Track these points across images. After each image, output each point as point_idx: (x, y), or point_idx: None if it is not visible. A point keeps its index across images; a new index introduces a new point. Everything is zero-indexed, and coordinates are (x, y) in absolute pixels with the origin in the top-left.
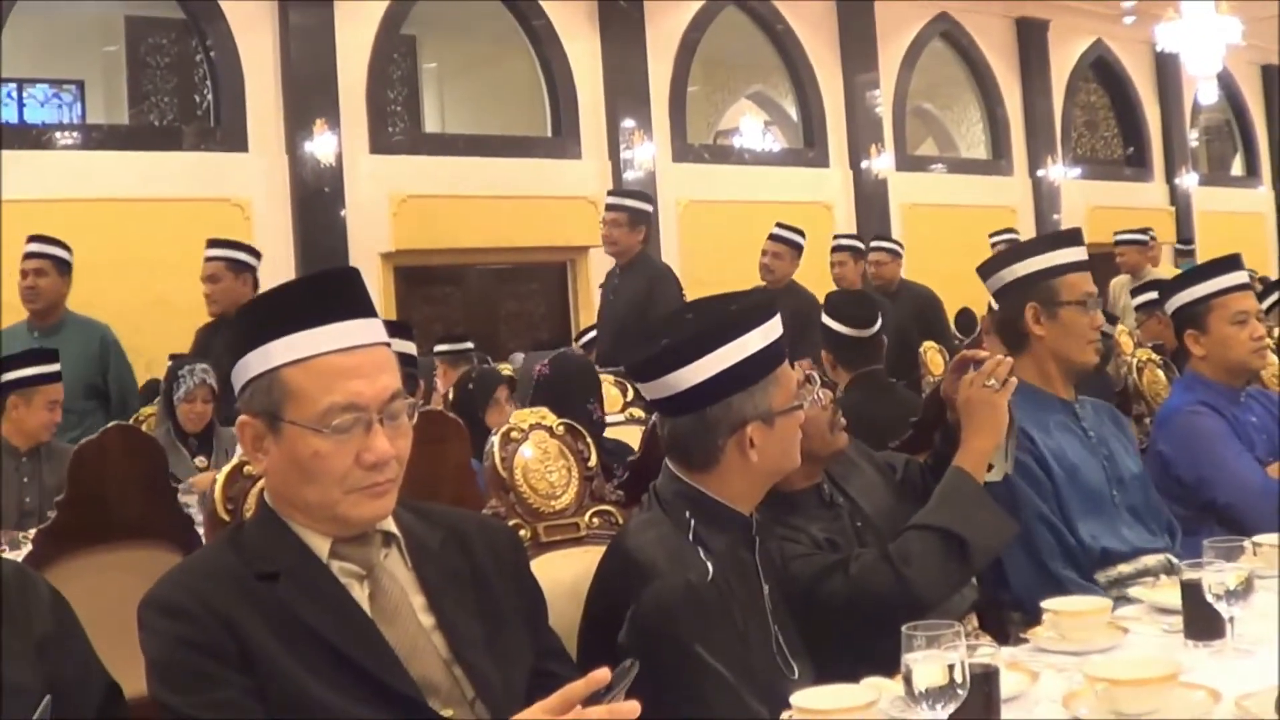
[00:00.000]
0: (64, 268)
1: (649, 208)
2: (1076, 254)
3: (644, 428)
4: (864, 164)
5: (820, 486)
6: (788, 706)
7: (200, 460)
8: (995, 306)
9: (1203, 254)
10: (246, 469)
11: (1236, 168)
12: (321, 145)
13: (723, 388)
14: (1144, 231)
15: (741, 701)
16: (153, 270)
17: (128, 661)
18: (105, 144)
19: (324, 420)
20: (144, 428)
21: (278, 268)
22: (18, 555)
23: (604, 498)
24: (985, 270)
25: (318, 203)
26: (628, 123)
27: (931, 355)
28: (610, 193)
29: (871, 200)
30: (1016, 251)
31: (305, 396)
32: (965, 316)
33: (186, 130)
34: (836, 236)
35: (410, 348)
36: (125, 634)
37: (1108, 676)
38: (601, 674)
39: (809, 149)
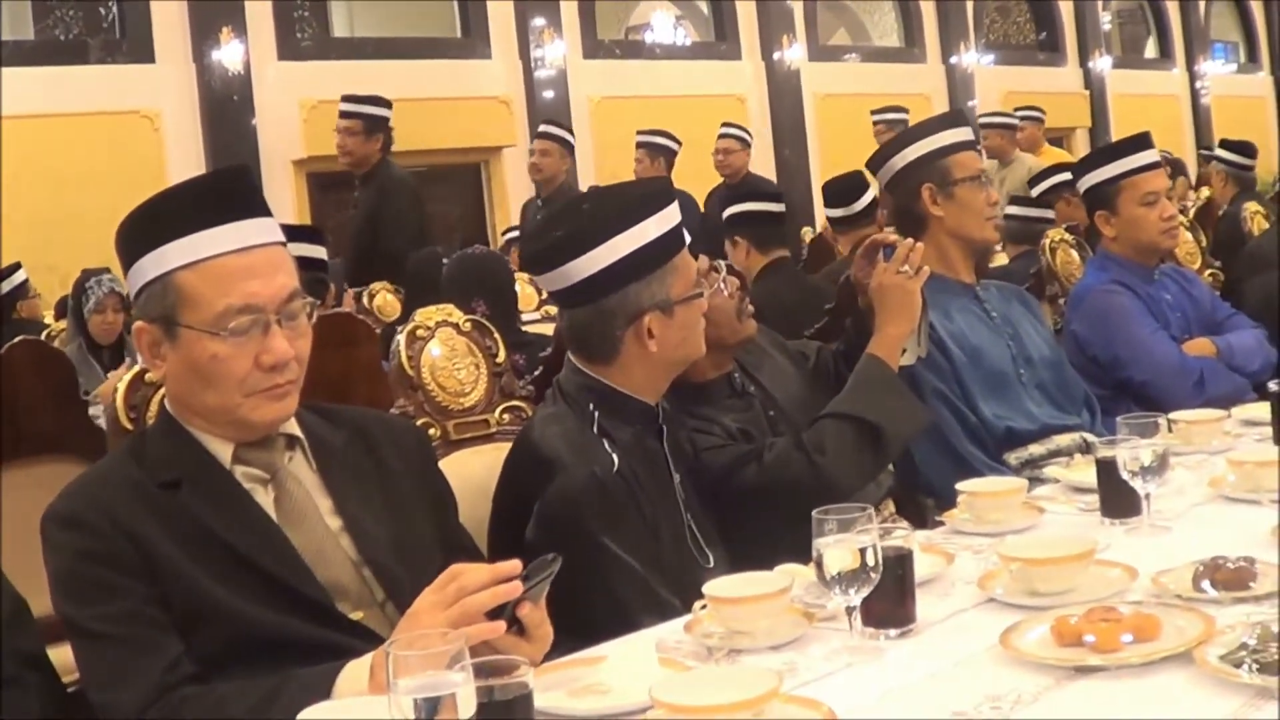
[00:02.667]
0: None
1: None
2: (963, 134)
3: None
4: (776, 55)
5: (731, 376)
6: (701, 595)
7: (113, 374)
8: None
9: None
10: (148, 376)
11: (1150, 50)
12: (229, 54)
13: (619, 277)
14: (1010, 115)
15: (651, 591)
16: (63, 185)
17: (37, 578)
18: (11, 60)
19: (220, 323)
20: (55, 344)
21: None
22: None
23: (514, 394)
24: (875, 161)
25: (227, 112)
26: (537, 21)
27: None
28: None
29: (784, 92)
30: (904, 137)
31: (200, 299)
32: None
33: (92, 43)
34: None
35: (321, 252)
36: (34, 549)
37: (1023, 556)
38: (509, 565)
39: (720, 42)
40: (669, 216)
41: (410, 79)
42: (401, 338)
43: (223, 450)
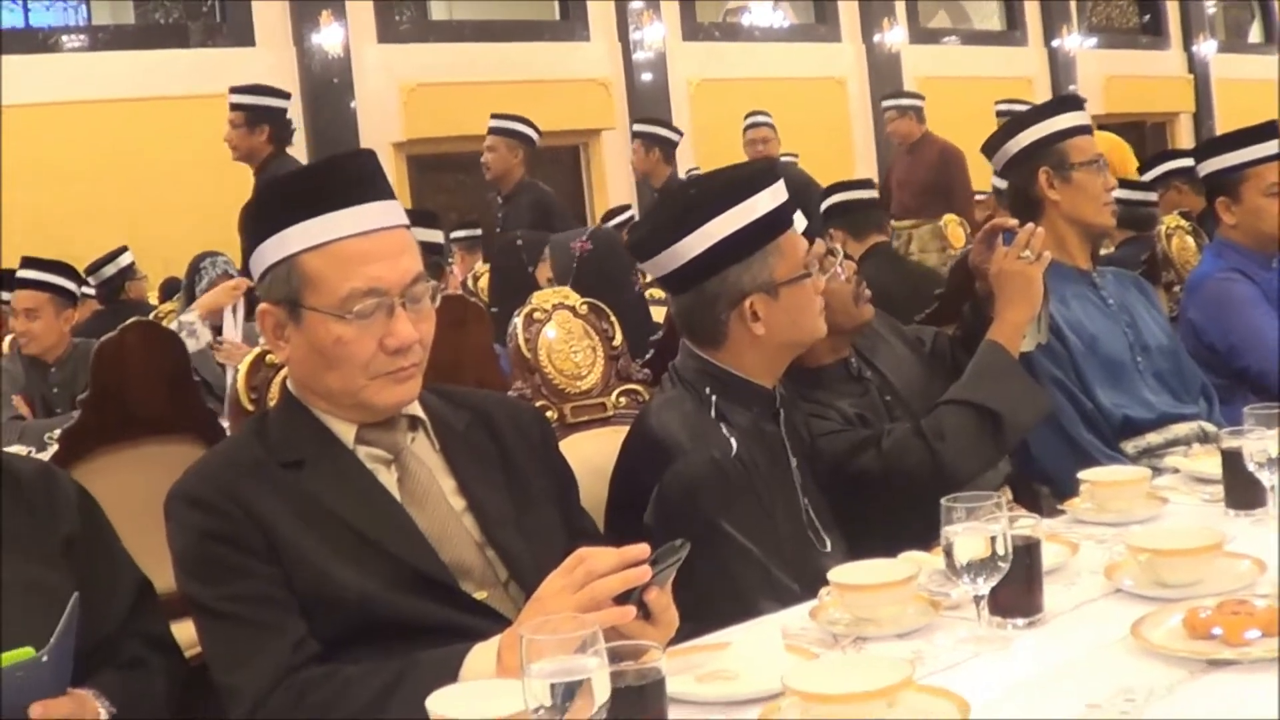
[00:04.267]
0: None
1: None
2: (1080, 118)
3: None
4: (876, 38)
5: (848, 361)
6: (819, 580)
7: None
8: (1001, 187)
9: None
10: (269, 358)
11: (1254, 35)
12: (328, 37)
13: (718, 260)
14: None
15: (770, 575)
16: (163, 170)
17: (157, 557)
18: (112, 44)
19: (345, 306)
20: (164, 324)
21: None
22: (44, 456)
23: (630, 377)
24: (990, 146)
25: (327, 95)
26: (636, 3)
27: (953, 228)
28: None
29: (884, 75)
30: (1019, 120)
31: (325, 282)
32: None
33: (193, 27)
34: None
35: (437, 236)
36: (153, 530)
37: (1151, 547)
38: (638, 549)
39: (820, 24)
40: (771, 197)
41: (509, 61)
42: (519, 320)
43: (346, 431)
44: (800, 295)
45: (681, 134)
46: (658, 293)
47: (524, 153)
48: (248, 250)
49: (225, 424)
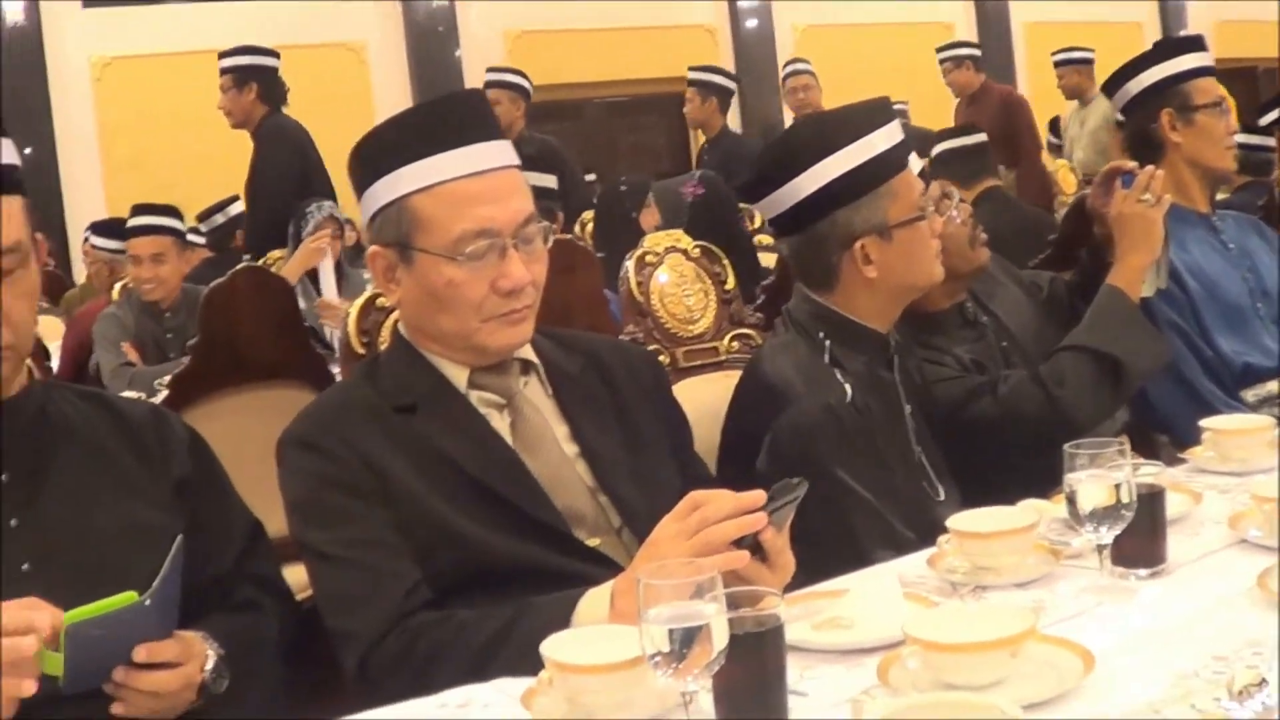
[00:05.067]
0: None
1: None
2: (1203, 59)
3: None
4: None
5: (963, 305)
6: (934, 529)
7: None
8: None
9: None
10: (379, 301)
11: None
12: None
13: (828, 202)
14: (1087, 50)
15: (885, 523)
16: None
17: (268, 501)
18: None
19: (456, 247)
20: (274, 270)
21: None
22: (154, 401)
23: (743, 321)
24: (1111, 85)
25: (432, 43)
26: None
27: (1063, 174)
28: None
29: (993, 20)
30: (1143, 59)
31: (436, 224)
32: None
33: None
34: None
35: (550, 180)
36: (264, 474)
37: (1277, 496)
38: (754, 496)
39: None
40: (883, 138)
41: (614, 8)
42: (630, 264)
43: (458, 375)
44: (914, 238)
45: (739, 81)
46: (766, 238)
47: (525, 105)
48: (358, 193)
49: (335, 369)
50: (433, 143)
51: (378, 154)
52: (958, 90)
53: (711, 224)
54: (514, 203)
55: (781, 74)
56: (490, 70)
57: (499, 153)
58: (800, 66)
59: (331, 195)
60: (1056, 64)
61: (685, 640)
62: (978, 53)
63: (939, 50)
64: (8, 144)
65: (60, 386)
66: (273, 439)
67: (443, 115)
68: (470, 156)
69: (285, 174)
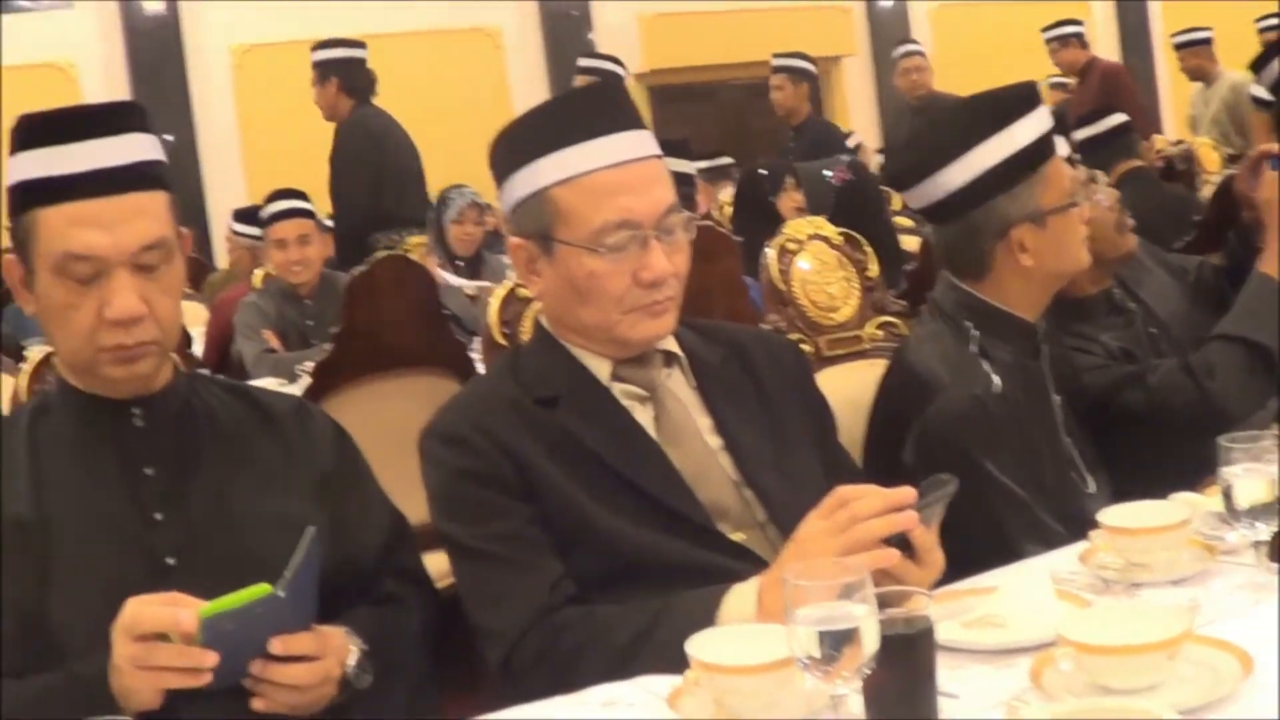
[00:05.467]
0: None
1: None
2: None
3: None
4: None
5: (1110, 291)
6: (1083, 522)
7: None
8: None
9: None
10: (520, 291)
11: None
12: None
13: (984, 189)
14: (1204, 29)
15: (1034, 517)
16: (408, 104)
17: (407, 489)
18: None
19: (598, 239)
20: (413, 256)
21: (531, 96)
22: (297, 389)
23: (886, 308)
24: (1260, 62)
25: (566, 27)
26: None
27: (1205, 152)
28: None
29: None
30: None
31: (577, 215)
32: None
33: None
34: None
35: (688, 166)
36: (405, 463)
37: None
38: (904, 493)
39: None
40: (1035, 123)
41: None
42: (771, 251)
43: (601, 367)
44: (1067, 225)
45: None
46: (906, 220)
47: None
48: (498, 183)
49: (475, 356)
50: (573, 133)
51: (518, 145)
52: (1065, 69)
53: (857, 210)
54: (655, 193)
55: (894, 55)
56: (582, 58)
57: (640, 142)
58: (911, 47)
59: (414, 186)
60: (1176, 46)
61: (835, 643)
62: (1082, 29)
63: (1044, 30)
64: (153, 140)
65: (205, 379)
66: (414, 426)
67: (583, 105)
68: (611, 147)
69: (356, 171)
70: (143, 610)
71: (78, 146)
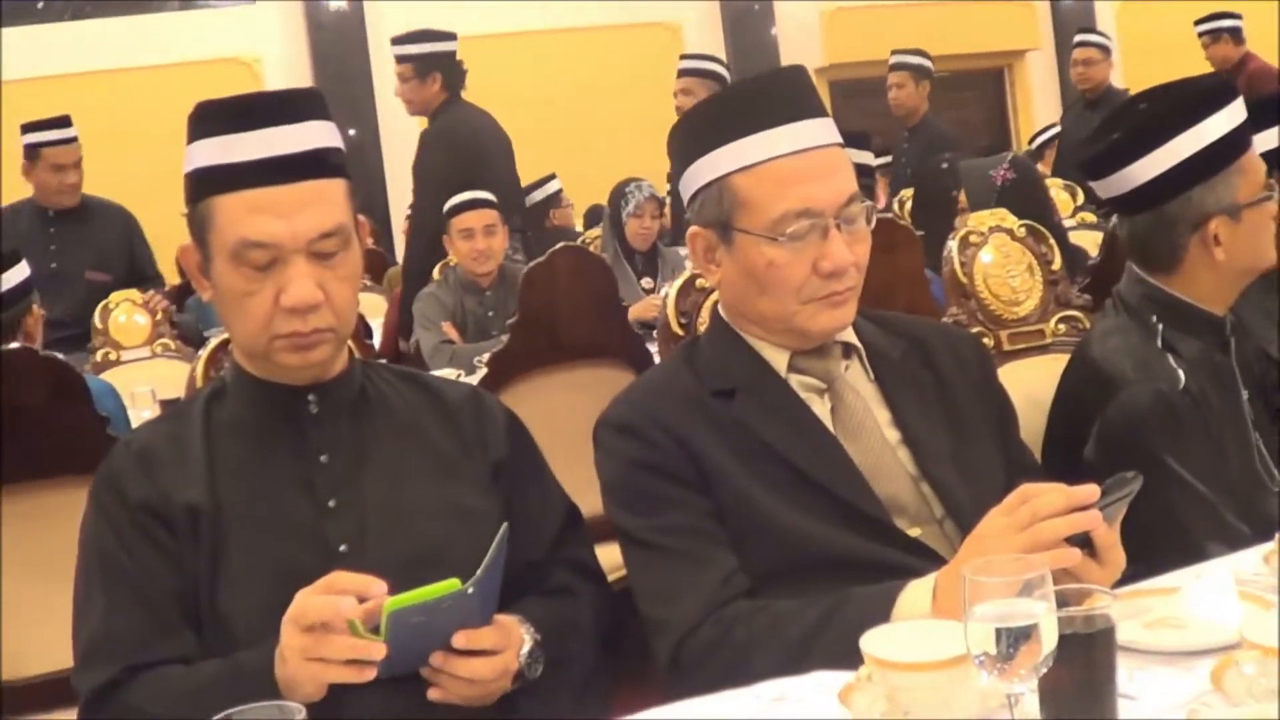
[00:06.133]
0: None
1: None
2: None
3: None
4: None
5: None
6: (1272, 522)
7: (646, 281)
8: None
9: None
10: (698, 282)
11: None
12: None
13: (1181, 180)
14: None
15: (1219, 517)
16: (588, 97)
17: (582, 480)
18: None
19: (778, 228)
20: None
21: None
22: (473, 379)
23: (1069, 302)
24: None
25: (748, 22)
26: None
27: None
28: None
29: None
30: None
31: (757, 204)
32: None
33: None
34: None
35: (868, 157)
36: (579, 454)
37: None
38: (1087, 491)
39: None
40: (1233, 114)
41: None
42: (954, 244)
43: (778, 358)
44: (1261, 219)
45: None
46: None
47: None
48: (677, 172)
49: (653, 348)
50: (753, 121)
51: (697, 133)
52: (1218, 64)
53: (1020, 209)
54: (836, 182)
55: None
56: (684, 57)
57: (821, 130)
58: (1087, 38)
59: (499, 187)
60: (1200, 33)
61: (1013, 640)
62: (1238, 24)
63: (1197, 24)
64: (331, 128)
65: (379, 367)
66: (590, 418)
67: (763, 93)
68: (792, 134)
69: (438, 173)
70: (309, 601)
71: (255, 134)
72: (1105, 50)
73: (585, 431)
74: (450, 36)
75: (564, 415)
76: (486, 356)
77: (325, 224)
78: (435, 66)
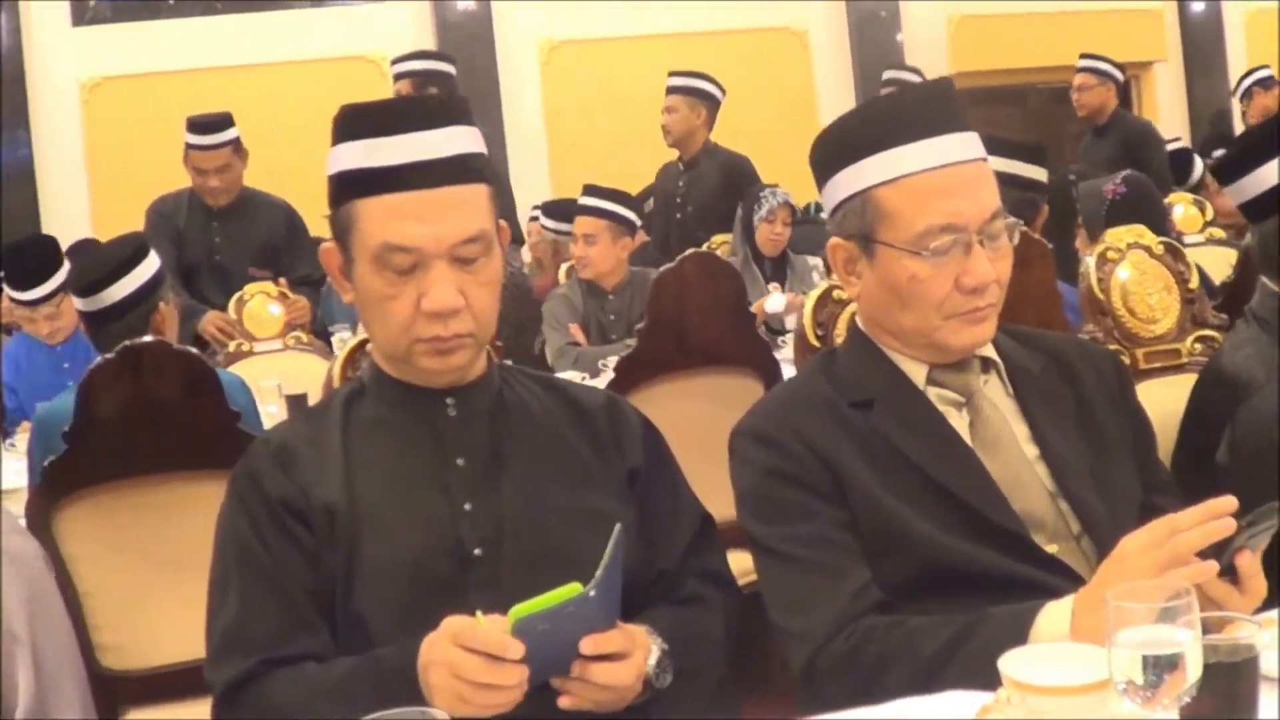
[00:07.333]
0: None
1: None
2: None
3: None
4: None
5: None
6: None
7: (773, 287)
8: None
9: None
10: (835, 294)
11: None
12: None
13: None
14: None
15: None
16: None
17: (709, 487)
18: None
19: (921, 242)
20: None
21: (836, 96)
22: (598, 382)
23: (1206, 321)
24: None
25: (874, 29)
26: None
27: None
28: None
29: None
30: None
31: (900, 217)
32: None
33: None
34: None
35: (1038, 172)
36: (705, 462)
37: None
38: (1224, 502)
39: None
40: None
41: None
42: (1091, 260)
43: (917, 371)
44: None
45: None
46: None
47: (706, 113)
48: (820, 183)
49: (779, 355)
50: (898, 134)
51: (842, 145)
52: None
53: (1130, 223)
54: (981, 197)
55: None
56: (672, 74)
57: (967, 145)
58: (1082, 63)
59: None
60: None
61: (1157, 667)
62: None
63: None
64: (474, 133)
65: (516, 371)
66: (715, 425)
67: (909, 106)
68: (937, 148)
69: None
70: (479, 624)
71: (400, 138)
72: (1101, 75)
73: (711, 438)
74: (450, 59)
75: (690, 422)
76: (611, 360)
77: (468, 229)
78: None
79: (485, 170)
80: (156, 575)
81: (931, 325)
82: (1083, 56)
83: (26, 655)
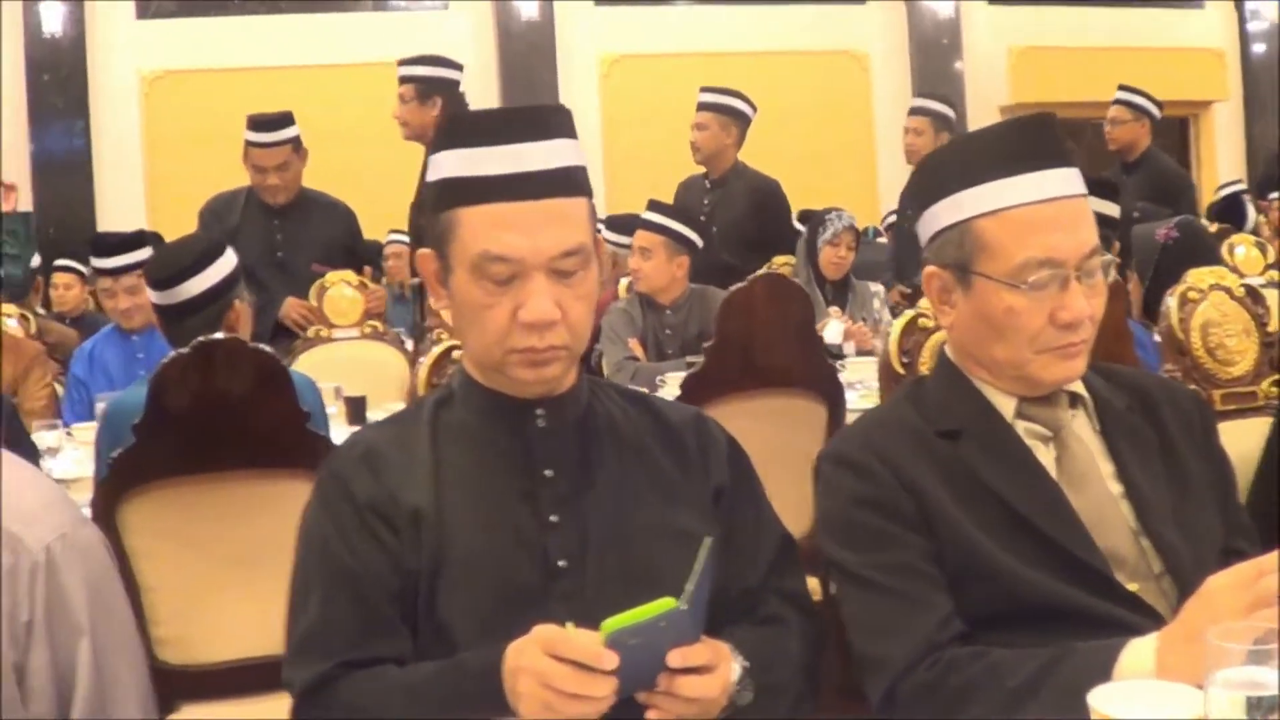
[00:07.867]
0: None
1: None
2: None
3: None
4: None
5: None
6: None
7: (834, 310)
8: None
9: None
10: (921, 321)
11: None
12: None
13: None
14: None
15: None
16: (773, 123)
17: (777, 508)
18: None
19: (1019, 275)
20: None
21: (895, 121)
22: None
23: None
24: None
25: (935, 54)
26: None
27: None
28: None
29: None
30: None
31: (999, 249)
32: None
33: None
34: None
35: (1112, 209)
36: (770, 480)
37: None
38: None
39: None
40: None
41: (1120, 27)
42: (1173, 300)
43: (1005, 403)
44: None
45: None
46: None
47: (738, 132)
48: (917, 211)
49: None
50: (1001, 166)
51: (943, 175)
52: None
53: (1182, 270)
54: (1081, 233)
55: None
56: (703, 90)
57: (1069, 181)
58: (1118, 95)
59: None
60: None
61: (1263, 710)
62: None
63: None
64: (576, 146)
65: (605, 385)
66: (781, 446)
67: (1012, 138)
68: (1039, 182)
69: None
70: (572, 634)
71: (504, 148)
72: (1136, 110)
73: (776, 459)
74: (457, 66)
75: (755, 442)
76: (670, 376)
77: (567, 242)
78: (438, 91)
79: (586, 184)
80: (218, 572)
81: (1024, 358)
82: (1120, 88)
83: (86, 646)
